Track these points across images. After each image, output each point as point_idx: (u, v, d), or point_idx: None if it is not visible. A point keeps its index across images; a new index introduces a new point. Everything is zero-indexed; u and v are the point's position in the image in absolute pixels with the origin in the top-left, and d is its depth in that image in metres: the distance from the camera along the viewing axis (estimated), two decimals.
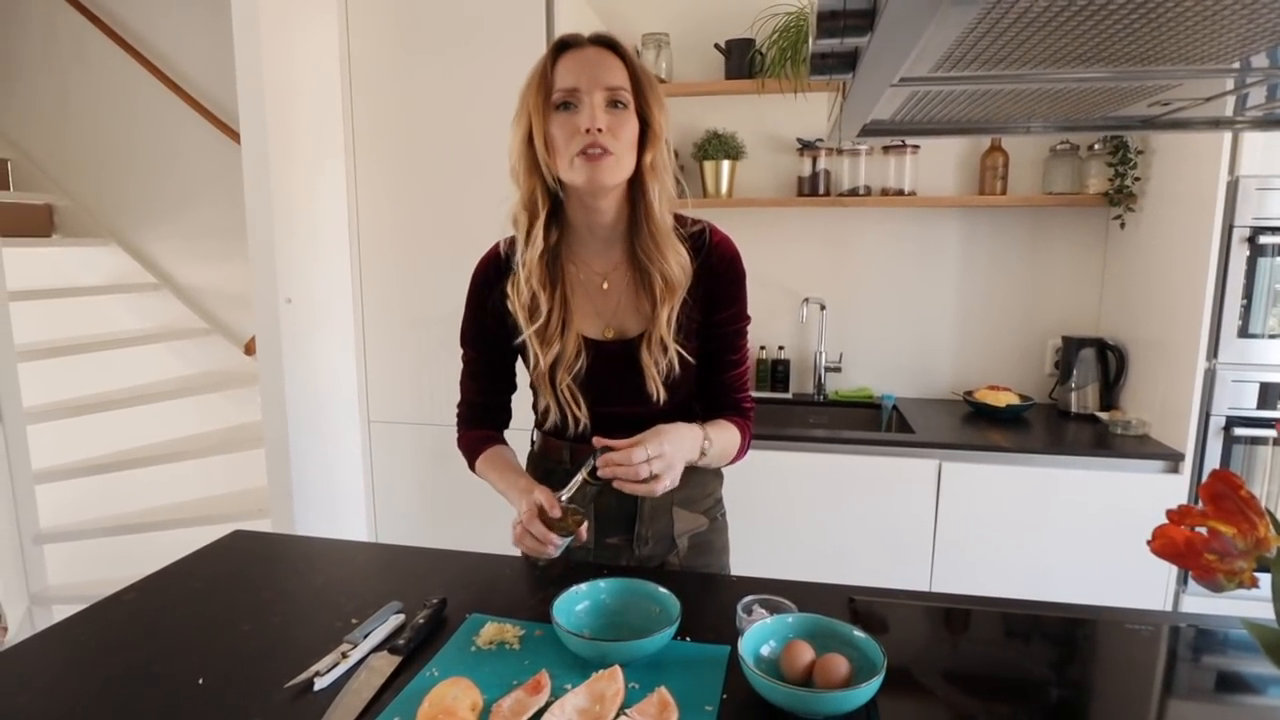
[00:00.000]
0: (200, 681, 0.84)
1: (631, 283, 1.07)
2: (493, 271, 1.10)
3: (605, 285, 1.08)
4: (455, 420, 1.21)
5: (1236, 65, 0.63)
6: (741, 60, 2.29)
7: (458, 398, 1.20)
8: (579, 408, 1.06)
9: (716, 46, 2.34)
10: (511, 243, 1.08)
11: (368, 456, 2.26)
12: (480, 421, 1.19)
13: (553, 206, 1.03)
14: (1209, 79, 0.67)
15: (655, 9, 2.42)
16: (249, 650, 0.91)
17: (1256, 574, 0.48)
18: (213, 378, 2.95)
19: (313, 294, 2.07)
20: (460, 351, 1.18)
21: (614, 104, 0.97)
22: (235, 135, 2.66)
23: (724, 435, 1.09)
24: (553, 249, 1.05)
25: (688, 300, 1.06)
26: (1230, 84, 0.71)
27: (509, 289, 1.06)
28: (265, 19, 1.85)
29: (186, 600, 1.04)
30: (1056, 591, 1.51)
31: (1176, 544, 0.48)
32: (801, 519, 2.01)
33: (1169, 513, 0.51)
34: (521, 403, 1.19)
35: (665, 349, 1.04)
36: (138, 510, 2.64)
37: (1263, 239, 1.77)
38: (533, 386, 1.14)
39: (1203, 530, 0.49)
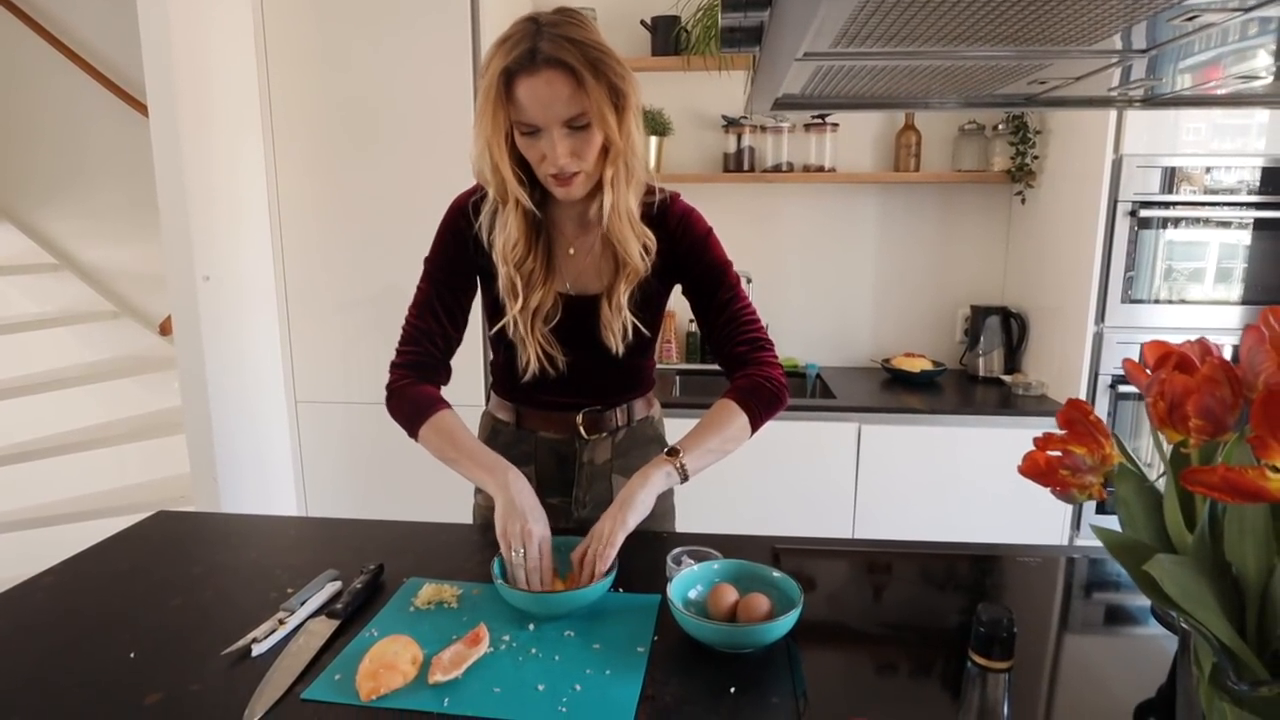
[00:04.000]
0: (132, 656, 0.83)
1: (595, 253, 1.11)
2: (475, 209, 1.10)
3: (571, 251, 1.11)
4: (389, 377, 1.12)
5: (1099, 46, 0.71)
6: (667, 37, 2.32)
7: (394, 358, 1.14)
8: (555, 351, 1.09)
9: (643, 23, 2.36)
10: (484, 197, 1.08)
11: (295, 438, 2.21)
12: (421, 371, 1.12)
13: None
14: (1076, 59, 0.75)
15: None
16: (181, 624, 0.90)
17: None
18: (122, 363, 2.80)
19: (233, 272, 2.00)
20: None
21: (575, 127, 0.95)
22: (141, 107, 2.52)
23: (714, 434, 1.07)
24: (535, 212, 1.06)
25: (650, 277, 1.09)
26: (1097, 64, 0.79)
27: (494, 236, 1.06)
28: None
29: (110, 580, 1.02)
30: (965, 538, 1.64)
31: (1038, 464, 0.56)
32: (732, 482, 2.09)
33: (1035, 439, 0.59)
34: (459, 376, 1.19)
35: (621, 314, 1.08)
36: (42, 504, 2.50)
37: (1143, 213, 1.94)
38: (495, 340, 1.15)
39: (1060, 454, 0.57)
